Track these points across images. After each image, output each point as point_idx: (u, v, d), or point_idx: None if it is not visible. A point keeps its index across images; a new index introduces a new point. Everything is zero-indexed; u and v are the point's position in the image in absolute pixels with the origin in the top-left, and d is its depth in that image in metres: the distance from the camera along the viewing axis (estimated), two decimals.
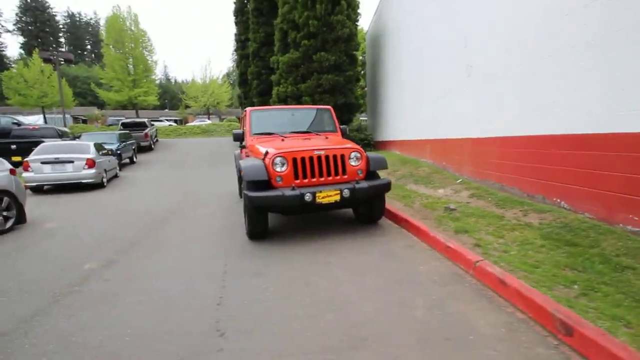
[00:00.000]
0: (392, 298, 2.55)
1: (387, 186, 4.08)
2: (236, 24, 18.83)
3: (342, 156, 4.02)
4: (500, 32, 5.27)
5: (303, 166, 3.86)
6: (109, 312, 2.54)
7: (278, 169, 3.80)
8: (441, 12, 7.24)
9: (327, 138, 4.77)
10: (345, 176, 4.01)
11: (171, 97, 54.66)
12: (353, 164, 4.06)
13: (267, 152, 3.88)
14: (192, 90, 41.39)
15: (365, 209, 4.40)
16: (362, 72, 16.27)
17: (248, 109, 5.19)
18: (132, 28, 27.60)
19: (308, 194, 3.64)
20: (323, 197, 3.72)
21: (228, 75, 60.48)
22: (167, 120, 38.42)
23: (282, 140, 4.60)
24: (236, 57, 19.97)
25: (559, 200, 4.13)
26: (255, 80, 16.28)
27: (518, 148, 4.84)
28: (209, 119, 41.47)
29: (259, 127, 5.03)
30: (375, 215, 4.39)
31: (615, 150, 3.37)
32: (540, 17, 4.36)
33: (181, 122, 41.11)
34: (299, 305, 2.51)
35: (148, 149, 17.88)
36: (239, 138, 5.00)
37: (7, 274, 3.37)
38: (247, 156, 4.77)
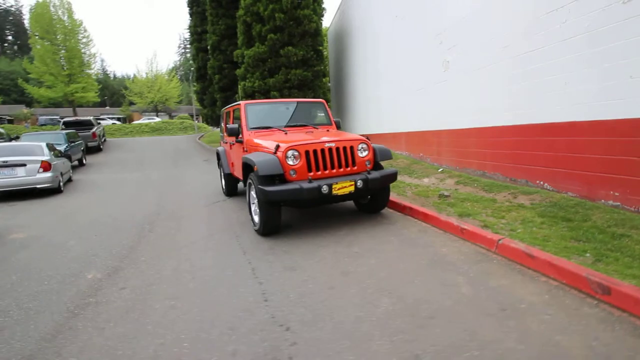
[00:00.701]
0: (433, 279, 2.67)
1: (394, 176, 4.22)
2: (191, 15, 17.85)
3: (352, 148, 4.07)
4: (476, 28, 5.67)
5: (315, 159, 3.85)
6: (145, 320, 2.35)
7: (291, 162, 3.75)
8: (415, 8, 7.57)
9: (328, 131, 4.79)
10: (355, 167, 4.08)
11: (111, 93, 50.35)
12: (361, 155, 4.13)
13: (278, 146, 3.80)
14: (136, 85, 38.59)
15: (371, 199, 4.50)
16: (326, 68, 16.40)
17: (242, 102, 5.01)
18: (65, 18, 24.89)
19: (325, 186, 3.65)
20: (339, 189, 3.75)
21: (175, 69, 57.19)
22: (109, 118, 35.41)
23: (285, 134, 4.53)
24: (192, 50, 18.87)
25: (542, 183, 4.58)
26: (216, 74, 15.61)
27: (500, 137, 5.27)
28: (157, 116, 38.98)
29: (255, 121, 4.90)
30: (380, 205, 4.52)
31: (593, 135, 3.83)
32: (515, 16, 4.78)
33: (125, 120, 38.13)
34: (348, 293, 2.53)
35: (96, 149, 16.43)
36: (235, 133, 4.82)
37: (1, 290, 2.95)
38: (246, 151, 4.62)
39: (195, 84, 19.84)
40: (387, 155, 4.32)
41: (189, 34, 18.55)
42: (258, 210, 3.89)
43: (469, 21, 5.85)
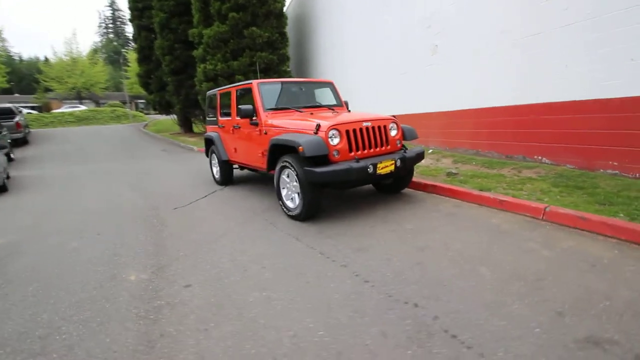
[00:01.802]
0: (509, 247, 2.82)
1: (423, 155, 4.31)
2: None
3: (385, 127, 4.06)
4: (469, 14, 5.97)
5: (355, 138, 3.76)
6: (249, 315, 2.12)
7: (334, 142, 3.62)
8: None
9: (349, 112, 4.69)
10: (388, 147, 4.08)
11: (19, 78, 43.08)
12: (392, 134, 4.14)
13: (319, 125, 3.63)
14: (52, 69, 33.58)
15: (396, 178, 4.56)
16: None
17: (254, 81, 4.65)
18: None
19: (370, 166, 3.60)
20: (382, 168, 3.73)
21: (96, 51, 50.78)
22: (22, 107, 30.36)
23: (311, 114, 4.35)
24: (133, 29, 16.81)
25: (540, 157, 5.07)
26: (166, 56, 14.20)
27: (497, 117, 5.68)
28: (82, 104, 34.48)
29: (269, 102, 4.60)
30: (404, 185, 4.60)
31: (592, 112, 4.33)
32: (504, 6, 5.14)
33: (42, 109, 33.07)
34: (442, 266, 2.56)
35: (22, 142, 14.07)
36: (250, 114, 4.47)
37: (27, 304, 2.40)
38: (266, 134, 4.33)
39: (138, 65, 17.84)
40: (415, 135, 4.39)
41: (128, 10, 16.46)
42: (300, 193, 3.69)
43: (464, 6, 6.12)
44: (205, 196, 5.37)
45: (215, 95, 5.97)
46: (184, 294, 2.44)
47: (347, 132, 3.72)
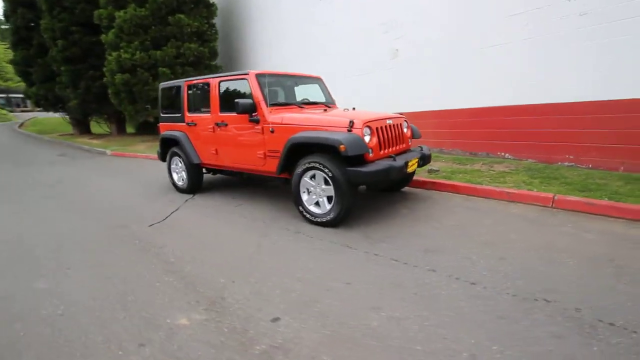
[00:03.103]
0: (552, 234, 3.06)
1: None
2: None
3: (401, 125, 4.02)
4: (426, 20, 6.41)
5: (383, 136, 3.61)
6: (392, 346, 1.78)
7: (367, 140, 3.40)
8: None
9: (354, 109, 4.49)
10: (404, 145, 4.06)
11: None
12: (405, 132, 4.13)
13: (352, 122, 3.35)
14: None
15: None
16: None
17: (251, 72, 4.04)
18: None
19: (404, 164, 3.51)
20: (410, 166, 3.67)
21: None
22: None
23: (325, 110, 4.01)
24: (5, 3, 13.03)
25: (503, 154, 5.75)
26: (59, 40, 11.49)
27: (457, 118, 6.21)
28: None
29: (268, 97, 4.08)
30: (407, 182, 4.63)
31: (549, 114, 5.10)
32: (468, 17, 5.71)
33: None
34: (527, 258, 2.61)
35: None
36: (250, 109, 3.89)
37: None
38: (273, 132, 3.83)
39: (12, 50, 14.01)
40: (419, 134, 4.46)
41: None
42: (335, 197, 3.34)
43: (418, 14, 6.52)
44: (178, 208, 4.48)
45: (178, 87, 5.04)
46: (281, 330, 1.92)
47: (377, 129, 3.54)
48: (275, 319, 2.03)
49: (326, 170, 3.32)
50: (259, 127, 3.99)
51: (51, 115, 16.22)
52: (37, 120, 18.23)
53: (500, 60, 5.54)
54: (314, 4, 8.74)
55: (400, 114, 4.25)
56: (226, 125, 4.36)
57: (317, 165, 3.39)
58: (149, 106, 10.96)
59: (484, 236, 3.08)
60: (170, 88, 5.28)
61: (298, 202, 3.65)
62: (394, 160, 3.45)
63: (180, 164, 5.21)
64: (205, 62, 11.69)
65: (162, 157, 5.54)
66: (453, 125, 6.38)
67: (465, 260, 2.64)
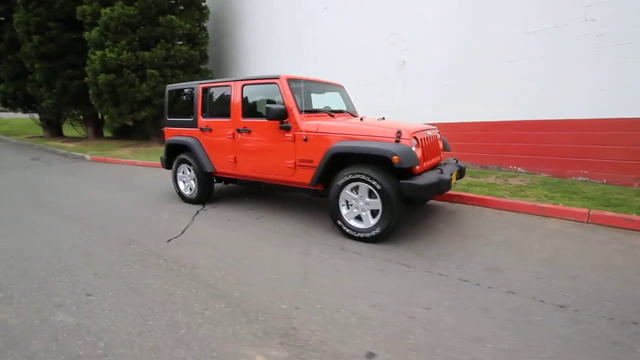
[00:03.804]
0: (597, 250, 3.01)
1: None
2: None
3: (436, 136, 3.91)
4: (436, 32, 6.46)
5: (424, 147, 3.47)
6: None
7: (415, 151, 3.24)
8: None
9: (383, 119, 4.33)
10: (439, 157, 3.94)
11: None
12: (440, 144, 4.03)
13: (400, 132, 3.19)
14: None
15: None
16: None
17: (283, 76, 3.79)
18: None
19: (451, 177, 3.38)
20: (453, 179, 3.55)
21: None
22: None
23: (361, 119, 3.83)
24: None
25: (515, 167, 5.80)
26: (34, 35, 10.59)
27: (474, 131, 6.24)
28: None
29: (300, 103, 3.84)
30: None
31: (563, 130, 5.21)
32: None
33: None
34: (599, 277, 2.52)
35: None
36: (281, 116, 3.63)
37: None
38: (308, 141, 3.59)
39: None
40: (449, 147, 4.37)
41: None
42: (382, 211, 3.13)
43: (421, 29, 6.57)
44: (193, 220, 4.10)
45: (191, 90, 4.68)
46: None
47: (421, 140, 3.40)
48: (370, 355, 1.77)
49: (374, 183, 3.11)
50: (289, 134, 3.73)
51: (19, 115, 14.87)
52: (1, 120, 16.69)
53: (513, 75, 5.63)
54: (313, 12, 8.62)
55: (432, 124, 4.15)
56: (249, 132, 4.06)
57: (363, 176, 3.17)
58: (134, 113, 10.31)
59: (538, 253, 2.98)
60: (179, 90, 4.90)
61: (337, 215, 3.40)
62: (442, 172, 3.31)
63: (189, 172, 4.81)
64: (196, 66, 11.25)
65: (167, 164, 5.10)
66: (469, 139, 6.40)
67: (536, 279, 2.51)
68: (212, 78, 12.02)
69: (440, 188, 3.16)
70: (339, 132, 3.46)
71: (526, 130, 5.62)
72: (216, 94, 4.42)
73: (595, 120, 4.90)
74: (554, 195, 4.56)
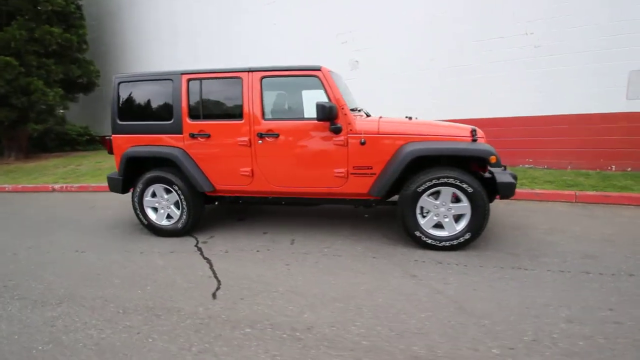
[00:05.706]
0: (624, 223, 3.57)
1: None
2: None
3: None
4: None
5: None
6: None
7: None
8: None
9: (417, 118, 4.05)
10: None
11: None
12: None
13: (475, 131, 3.03)
14: None
15: None
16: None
17: (323, 68, 3.07)
18: None
19: None
20: None
21: None
22: None
23: (411, 118, 3.45)
24: None
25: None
26: None
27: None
28: None
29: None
30: None
31: (511, 126, 6.07)
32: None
33: None
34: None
35: None
36: (333, 115, 2.96)
37: None
38: (365, 144, 3.05)
39: None
40: None
41: None
42: (471, 216, 2.88)
43: (375, 24, 6.70)
44: (211, 263, 2.99)
45: (166, 82, 3.39)
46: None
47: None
48: None
49: (464, 186, 2.85)
50: (339, 138, 3.10)
51: None
52: None
53: (464, 79, 6.25)
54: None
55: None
56: (277, 136, 3.19)
57: (451, 180, 2.86)
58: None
59: (601, 237, 3.21)
60: (140, 82, 3.51)
61: (414, 226, 2.99)
62: (505, 169, 3.30)
63: (165, 195, 3.51)
64: (74, 54, 8.63)
65: (123, 187, 3.61)
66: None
67: (625, 258, 2.73)
68: (95, 71, 9.37)
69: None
70: (409, 132, 3.06)
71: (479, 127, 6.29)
72: (215, 88, 3.32)
73: (537, 117, 5.87)
74: (522, 181, 5.24)
